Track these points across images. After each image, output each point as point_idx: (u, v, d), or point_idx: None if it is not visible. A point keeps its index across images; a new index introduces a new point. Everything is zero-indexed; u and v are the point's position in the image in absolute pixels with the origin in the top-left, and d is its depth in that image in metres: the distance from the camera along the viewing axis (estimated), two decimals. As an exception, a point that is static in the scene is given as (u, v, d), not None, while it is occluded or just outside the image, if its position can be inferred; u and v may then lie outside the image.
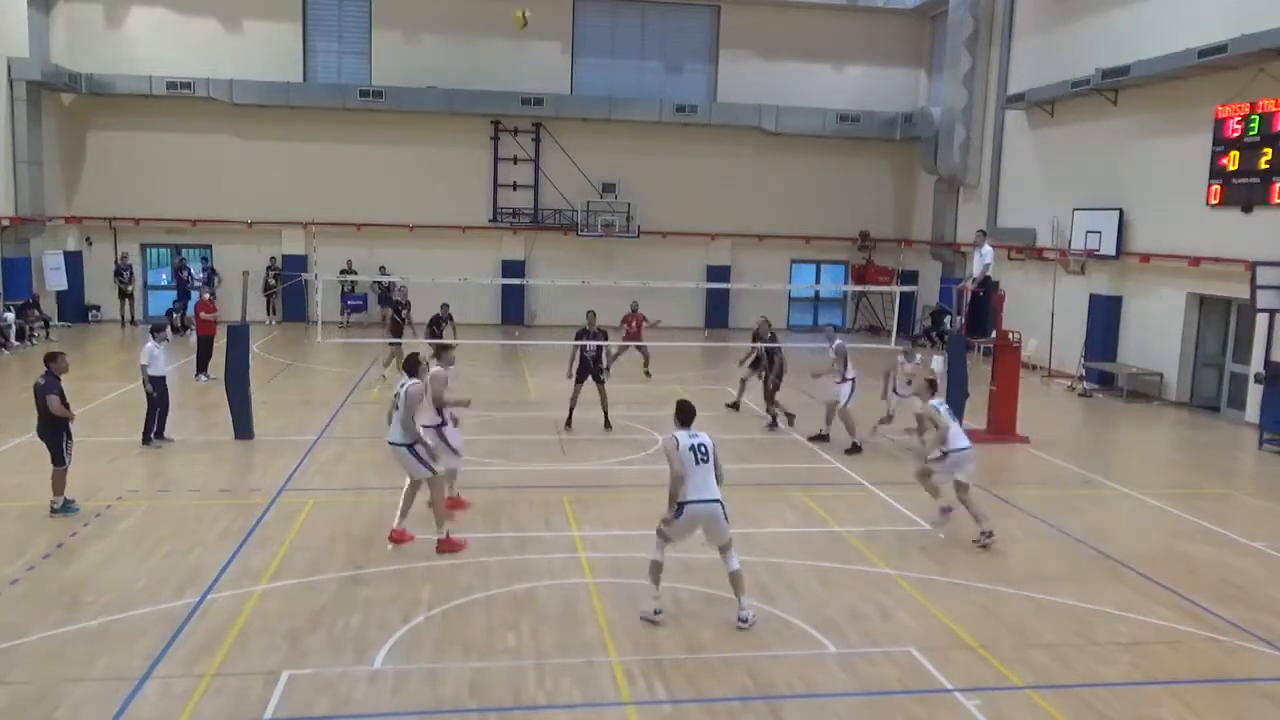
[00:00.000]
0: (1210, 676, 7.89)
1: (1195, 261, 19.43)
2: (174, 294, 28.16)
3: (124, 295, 28.06)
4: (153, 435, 14.33)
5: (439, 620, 8.43)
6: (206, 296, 20.11)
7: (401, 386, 10.14)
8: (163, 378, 14.41)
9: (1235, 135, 18.31)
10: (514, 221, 30.56)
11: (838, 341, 15.61)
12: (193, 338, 21.26)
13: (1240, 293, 18.14)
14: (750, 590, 9.23)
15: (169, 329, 15.21)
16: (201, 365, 19.23)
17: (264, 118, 28.78)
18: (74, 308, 27.79)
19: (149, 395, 14.21)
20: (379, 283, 26.84)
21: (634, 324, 21.21)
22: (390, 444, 10.15)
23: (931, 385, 11.63)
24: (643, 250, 30.33)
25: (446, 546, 10.02)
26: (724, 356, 24.59)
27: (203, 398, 17.47)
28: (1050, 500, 12.90)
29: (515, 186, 30.51)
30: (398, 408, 10.04)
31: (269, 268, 29.13)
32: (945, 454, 10.97)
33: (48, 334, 24.46)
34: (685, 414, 8.66)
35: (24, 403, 17.32)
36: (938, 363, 16.93)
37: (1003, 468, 14.66)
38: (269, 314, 29.28)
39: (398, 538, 10.25)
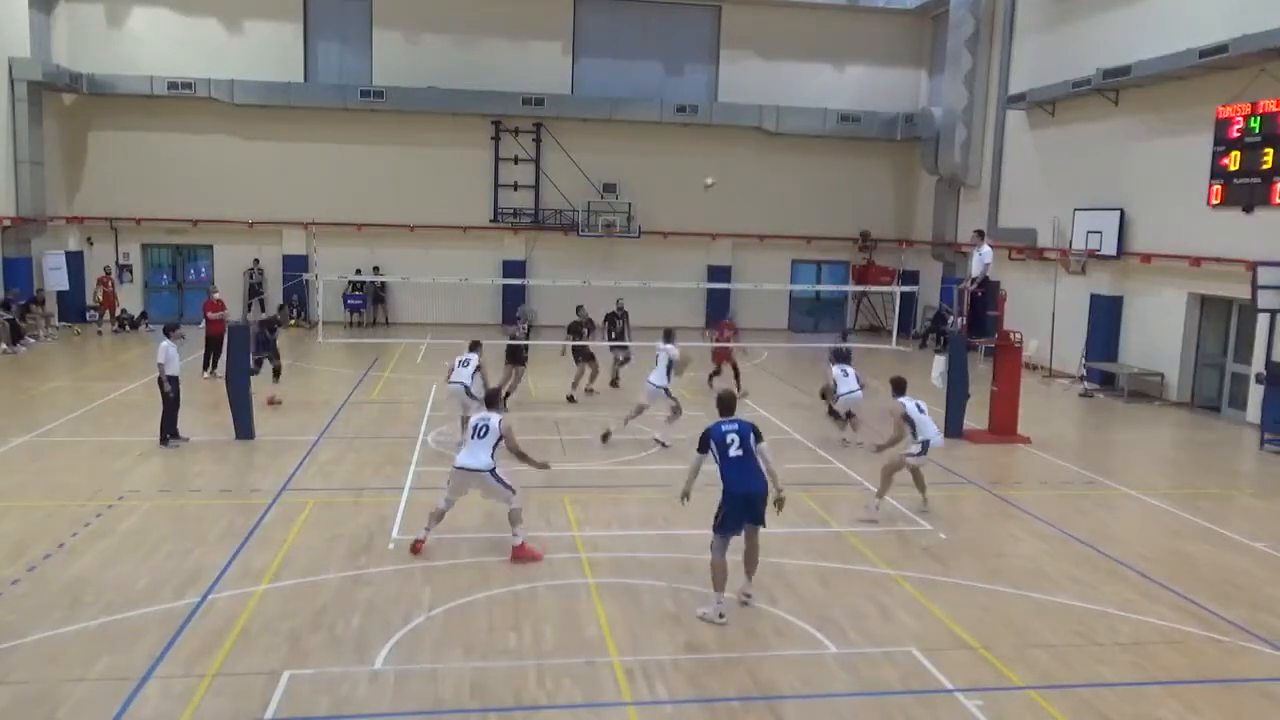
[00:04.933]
0: (1211, 677, 7.88)
1: (1196, 262, 19.42)
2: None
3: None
4: (170, 435, 14.25)
5: (440, 620, 8.43)
6: (216, 297, 20.20)
7: (485, 419, 9.89)
8: (177, 377, 14.26)
9: (1236, 135, 18.31)
10: (515, 222, 30.54)
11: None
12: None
13: (1241, 293, 18.14)
14: (752, 590, 9.22)
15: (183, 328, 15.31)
16: (207, 362, 19.38)
17: (265, 118, 28.77)
18: (74, 308, 27.79)
19: (165, 395, 14.10)
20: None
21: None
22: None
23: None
24: (644, 250, 30.32)
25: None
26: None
27: (204, 397, 17.47)
28: (1051, 500, 12.89)
29: (516, 186, 30.51)
30: (484, 436, 9.73)
31: (249, 270, 28.99)
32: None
33: (45, 335, 24.42)
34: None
35: (24, 403, 17.39)
36: (940, 363, 16.90)
37: (1004, 468, 14.66)
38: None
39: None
